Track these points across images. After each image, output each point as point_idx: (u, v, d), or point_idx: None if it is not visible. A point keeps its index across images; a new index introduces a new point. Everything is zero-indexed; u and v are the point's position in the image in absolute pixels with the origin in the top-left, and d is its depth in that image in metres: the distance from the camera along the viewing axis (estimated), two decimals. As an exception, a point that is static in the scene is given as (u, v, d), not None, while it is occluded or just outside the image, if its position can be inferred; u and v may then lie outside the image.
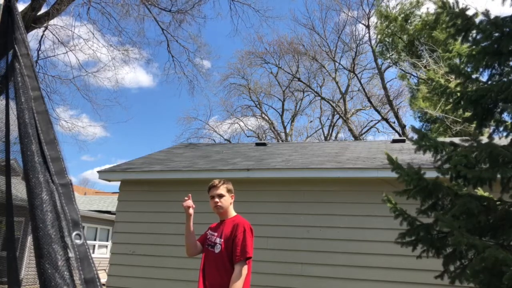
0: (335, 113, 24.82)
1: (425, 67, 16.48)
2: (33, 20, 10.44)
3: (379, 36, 21.86)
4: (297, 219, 6.01)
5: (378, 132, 26.93)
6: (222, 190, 3.08)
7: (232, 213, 3.15)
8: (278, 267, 5.79)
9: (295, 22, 34.89)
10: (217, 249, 2.96)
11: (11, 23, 1.17)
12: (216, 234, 3.07)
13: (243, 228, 2.97)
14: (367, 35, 21.95)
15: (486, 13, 3.61)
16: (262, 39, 32.56)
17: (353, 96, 25.27)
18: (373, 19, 21.65)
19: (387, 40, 21.62)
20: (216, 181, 3.13)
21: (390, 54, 21.94)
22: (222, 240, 2.96)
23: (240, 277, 2.81)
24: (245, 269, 2.86)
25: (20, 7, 10.94)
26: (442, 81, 4.02)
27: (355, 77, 23.17)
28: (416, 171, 3.54)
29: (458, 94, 3.81)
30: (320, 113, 26.63)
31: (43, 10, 11.04)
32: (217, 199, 3.06)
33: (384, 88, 21.46)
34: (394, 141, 8.92)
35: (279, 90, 26.48)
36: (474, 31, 3.67)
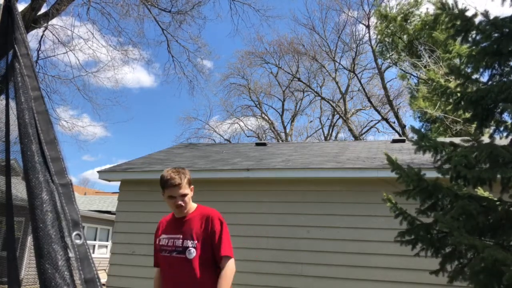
0: (335, 113, 24.83)
1: (425, 67, 16.49)
2: (33, 20, 10.44)
3: (379, 36, 21.87)
4: (297, 219, 6.01)
5: (378, 132, 26.99)
6: (185, 188, 2.46)
7: (193, 205, 2.58)
8: (278, 267, 5.79)
9: (295, 22, 34.97)
10: (191, 254, 2.39)
11: (11, 23, 1.17)
12: (178, 236, 2.46)
13: (219, 221, 2.47)
14: (367, 35, 22.00)
15: (486, 14, 3.61)
16: (262, 39, 32.69)
17: (353, 96, 25.33)
18: (373, 19, 21.69)
19: (387, 40, 21.63)
20: (176, 178, 2.43)
21: (390, 54, 21.94)
22: (196, 241, 2.41)
23: (233, 272, 2.39)
24: (234, 266, 2.42)
25: (20, 7, 10.95)
26: (442, 81, 4.02)
27: (355, 77, 23.19)
28: (416, 172, 3.54)
29: (458, 94, 3.81)
30: (320, 113, 26.68)
31: (43, 10, 11.05)
32: (180, 201, 2.46)
33: (384, 88, 21.47)
34: (394, 141, 8.92)
35: (279, 90, 26.52)
36: (474, 32, 3.68)
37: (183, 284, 2.40)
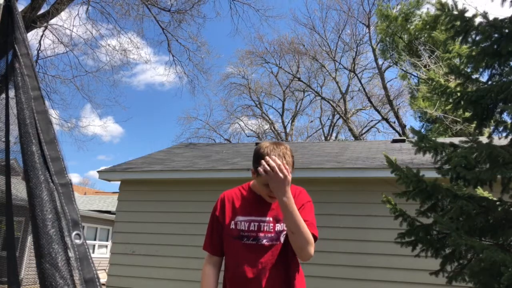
0: (336, 113, 24.83)
1: (425, 66, 16.49)
2: (33, 19, 10.45)
3: (379, 36, 21.87)
4: (297, 219, 6.01)
5: (378, 132, 26.96)
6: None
7: None
8: (278, 267, 5.78)
9: (296, 21, 35.07)
10: (283, 241, 1.92)
11: (11, 23, 1.17)
12: (266, 218, 1.93)
13: (308, 199, 2.05)
14: (368, 34, 22.00)
15: (485, 15, 3.62)
16: (263, 38, 32.74)
17: (354, 96, 25.33)
18: (374, 19, 21.69)
19: (388, 39, 21.63)
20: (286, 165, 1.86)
21: (391, 54, 21.95)
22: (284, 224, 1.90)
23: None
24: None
25: (20, 7, 10.96)
26: (442, 81, 4.02)
27: (356, 77, 23.20)
28: (414, 173, 3.54)
29: (458, 94, 3.82)
30: (320, 113, 26.69)
31: (43, 10, 11.06)
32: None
33: (385, 88, 21.47)
34: (394, 141, 8.93)
35: (280, 90, 26.53)
36: (473, 33, 3.68)
37: (276, 278, 1.88)
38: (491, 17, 3.63)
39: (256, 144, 10.02)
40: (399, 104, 22.63)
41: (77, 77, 13.18)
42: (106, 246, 16.67)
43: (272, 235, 1.91)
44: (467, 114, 3.96)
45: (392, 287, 5.41)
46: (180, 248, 6.44)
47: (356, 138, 22.87)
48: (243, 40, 42.87)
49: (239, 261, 1.90)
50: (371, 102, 22.90)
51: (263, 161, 1.80)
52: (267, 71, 27.39)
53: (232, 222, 1.95)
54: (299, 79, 24.89)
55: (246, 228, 1.92)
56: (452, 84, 4.03)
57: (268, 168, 1.76)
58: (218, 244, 1.98)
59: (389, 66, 23.01)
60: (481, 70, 3.82)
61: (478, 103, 3.66)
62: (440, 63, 14.70)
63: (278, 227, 1.92)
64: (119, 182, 7.25)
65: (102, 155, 78.14)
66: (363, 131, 25.46)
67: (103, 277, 9.52)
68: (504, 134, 3.68)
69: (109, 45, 14.64)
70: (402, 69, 21.50)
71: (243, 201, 2.01)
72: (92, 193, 30.85)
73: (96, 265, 0.83)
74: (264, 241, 1.90)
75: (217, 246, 1.99)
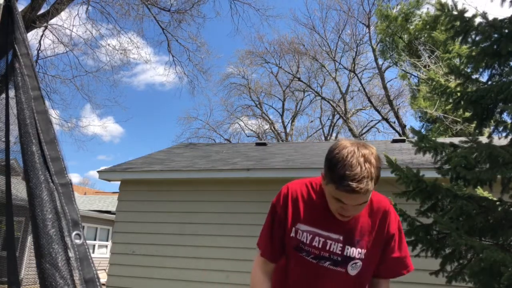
0: (336, 113, 24.83)
1: (424, 66, 16.49)
2: (33, 19, 10.45)
3: (379, 36, 21.88)
4: (297, 219, 6.00)
5: (379, 132, 26.96)
6: (368, 195, 1.39)
7: None
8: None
9: (296, 21, 35.07)
10: (355, 269, 1.55)
11: (11, 23, 1.17)
12: (337, 236, 1.53)
13: (398, 221, 1.62)
14: (368, 34, 22.01)
15: (484, 15, 3.63)
16: (263, 38, 32.74)
17: (354, 96, 25.32)
18: (374, 19, 21.70)
19: (388, 39, 21.63)
20: (364, 181, 1.33)
21: (391, 54, 21.95)
22: (365, 250, 1.54)
23: None
24: None
25: (20, 7, 10.96)
26: (442, 81, 4.03)
27: (356, 77, 23.20)
28: (414, 173, 3.54)
29: (458, 94, 3.82)
30: (320, 113, 26.68)
31: (43, 9, 11.06)
32: (352, 213, 1.48)
33: (385, 88, 21.47)
34: (394, 141, 8.93)
35: (280, 90, 26.52)
36: (473, 33, 3.68)
37: None
38: (490, 17, 3.63)
39: (257, 144, 10.01)
40: (399, 104, 22.65)
41: (77, 77, 13.19)
42: (106, 246, 16.67)
43: (338, 258, 1.53)
44: (467, 114, 3.97)
45: (391, 287, 5.40)
46: (180, 248, 6.44)
47: (356, 138, 22.87)
48: (243, 40, 42.93)
49: (292, 275, 1.61)
50: (371, 102, 22.91)
51: None
52: (267, 71, 27.46)
53: (293, 228, 1.58)
54: (299, 79, 24.89)
55: (308, 242, 1.55)
56: (452, 84, 4.03)
57: None
58: (279, 249, 1.62)
59: (389, 66, 23.02)
60: (481, 70, 3.82)
61: (478, 103, 3.67)
62: (440, 63, 14.70)
63: (348, 251, 1.52)
64: (119, 182, 7.25)
65: (102, 155, 78.06)
66: (363, 131, 25.48)
67: (103, 277, 9.51)
68: (504, 134, 3.68)
69: (109, 45, 14.64)
70: (402, 69, 21.51)
71: (310, 206, 1.60)
72: (92, 193, 30.83)
73: (96, 265, 0.83)
74: (327, 264, 1.53)
75: (278, 252, 1.63)
